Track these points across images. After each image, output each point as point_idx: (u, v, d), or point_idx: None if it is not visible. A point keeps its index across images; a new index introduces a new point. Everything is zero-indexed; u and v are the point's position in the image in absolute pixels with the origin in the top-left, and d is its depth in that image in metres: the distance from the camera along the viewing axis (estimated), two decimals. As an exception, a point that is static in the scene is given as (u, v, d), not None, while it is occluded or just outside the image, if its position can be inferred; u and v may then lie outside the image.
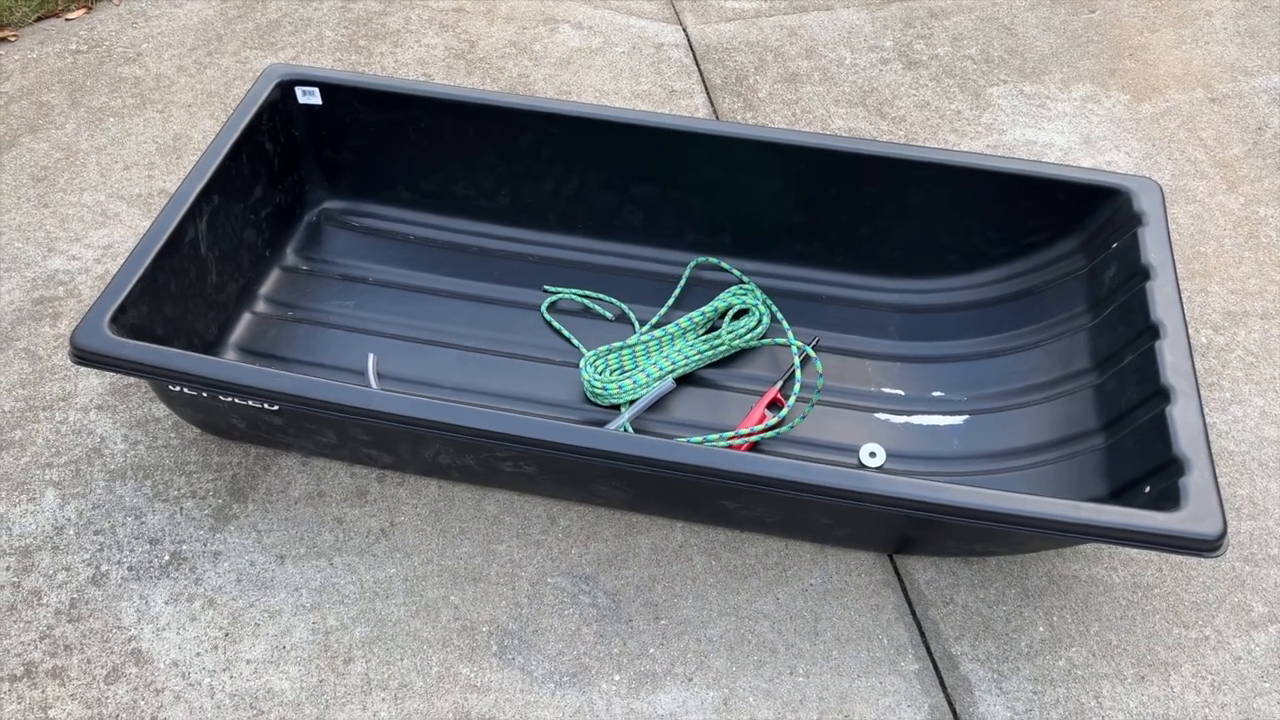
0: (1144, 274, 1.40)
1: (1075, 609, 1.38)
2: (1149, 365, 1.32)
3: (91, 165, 1.94)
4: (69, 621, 1.33)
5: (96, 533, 1.41)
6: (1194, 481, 1.16)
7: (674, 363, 1.57)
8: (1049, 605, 1.38)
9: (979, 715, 1.28)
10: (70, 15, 2.30)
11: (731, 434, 1.46)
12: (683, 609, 1.37)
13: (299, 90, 1.66)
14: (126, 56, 2.20)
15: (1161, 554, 1.41)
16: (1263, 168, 2.01)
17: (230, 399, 1.29)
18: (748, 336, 1.61)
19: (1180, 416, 1.23)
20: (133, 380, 1.58)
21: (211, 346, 1.54)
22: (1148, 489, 1.23)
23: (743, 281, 1.69)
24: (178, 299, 1.44)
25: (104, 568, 1.38)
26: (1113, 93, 2.19)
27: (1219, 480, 1.18)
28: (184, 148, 1.99)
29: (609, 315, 1.68)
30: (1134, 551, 1.43)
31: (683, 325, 1.62)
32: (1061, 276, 1.57)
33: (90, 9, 2.33)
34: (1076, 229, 1.57)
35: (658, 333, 1.61)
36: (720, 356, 1.61)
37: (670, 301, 1.68)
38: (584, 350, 1.61)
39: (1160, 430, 1.24)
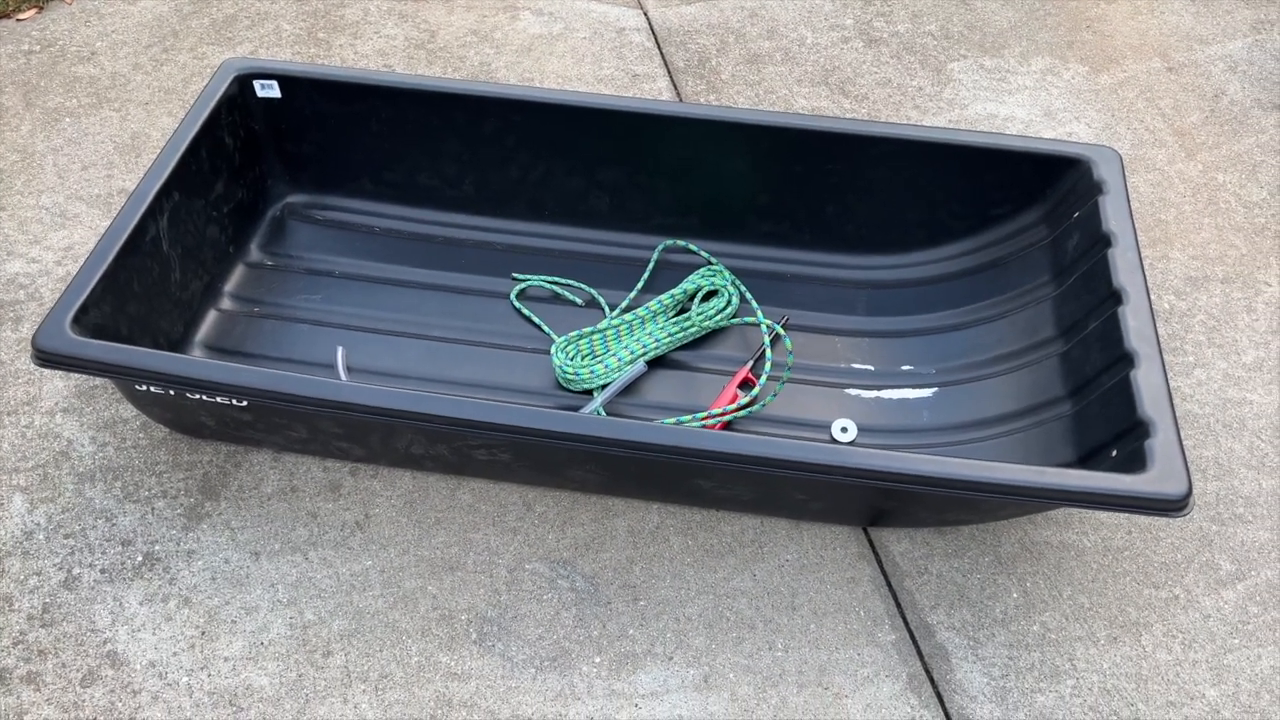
0: (1105, 242, 1.42)
1: (1048, 574, 1.40)
2: (1112, 331, 1.33)
3: (49, 166, 1.92)
4: (42, 626, 1.31)
5: (67, 536, 1.40)
6: (1159, 443, 1.18)
7: (645, 346, 1.57)
8: (1022, 571, 1.40)
9: (956, 682, 1.30)
10: (21, 16, 2.26)
11: (705, 414, 1.47)
12: (661, 589, 1.37)
13: (257, 84, 1.64)
14: (81, 55, 2.17)
15: (1130, 516, 1.44)
16: (1220, 134, 2.04)
17: (198, 396, 1.28)
18: (718, 318, 1.61)
19: (1144, 380, 1.25)
20: (99, 382, 1.56)
21: (177, 345, 1.53)
22: (1114, 453, 1.25)
23: (711, 263, 1.69)
24: (141, 298, 1.43)
25: (76, 571, 1.37)
26: (1071, 65, 2.21)
27: (1184, 442, 1.19)
28: (143, 146, 1.96)
29: (578, 301, 1.68)
30: (1104, 515, 1.45)
31: (653, 308, 1.62)
32: (1025, 247, 1.59)
33: (42, 9, 2.29)
34: (1039, 200, 1.58)
35: (628, 316, 1.61)
36: (691, 338, 1.61)
37: (639, 285, 1.68)
38: (554, 336, 1.61)
39: (1125, 394, 1.26)
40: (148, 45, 2.20)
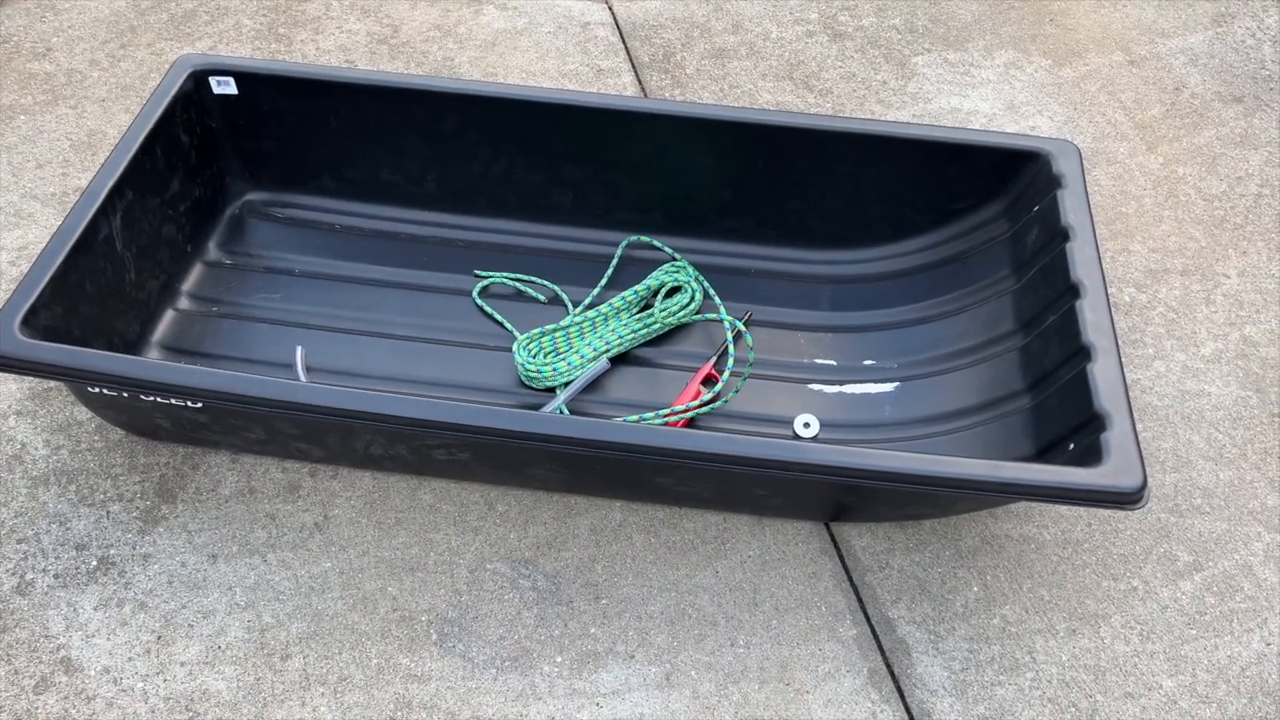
0: (1064, 235, 1.42)
1: (1008, 567, 1.40)
2: (1070, 325, 1.34)
3: (2, 165, 1.88)
4: (-6, 633, 1.30)
5: (20, 541, 1.38)
6: (1114, 436, 1.19)
7: (608, 343, 1.56)
8: (982, 565, 1.40)
9: (917, 676, 1.30)
10: (-26, 10, 2.22)
11: (667, 411, 1.46)
12: (623, 587, 1.37)
13: (213, 80, 1.62)
14: (36, 51, 2.13)
15: (1089, 510, 1.45)
16: (1180, 127, 2.06)
17: (152, 399, 1.26)
18: (681, 314, 1.61)
19: (1101, 373, 1.26)
20: (53, 384, 1.54)
21: (134, 346, 1.51)
22: (1071, 446, 1.26)
23: (675, 259, 1.69)
24: (94, 298, 1.40)
25: (29, 576, 1.35)
26: (1034, 58, 2.22)
27: (1141, 434, 1.20)
28: (99, 144, 1.93)
29: (541, 298, 1.67)
30: (1063, 508, 1.46)
31: (616, 305, 1.61)
32: (986, 241, 1.59)
33: (-5, 3, 2.25)
34: (999, 194, 1.59)
35: (591, 313, 1.61)
36: (654, 335, 1.60)
37: (603, 282, 1.67)
38: (517, 334, 1.60)
39: (1082, 388, 1.26)
40: (104, 41, 2.16)
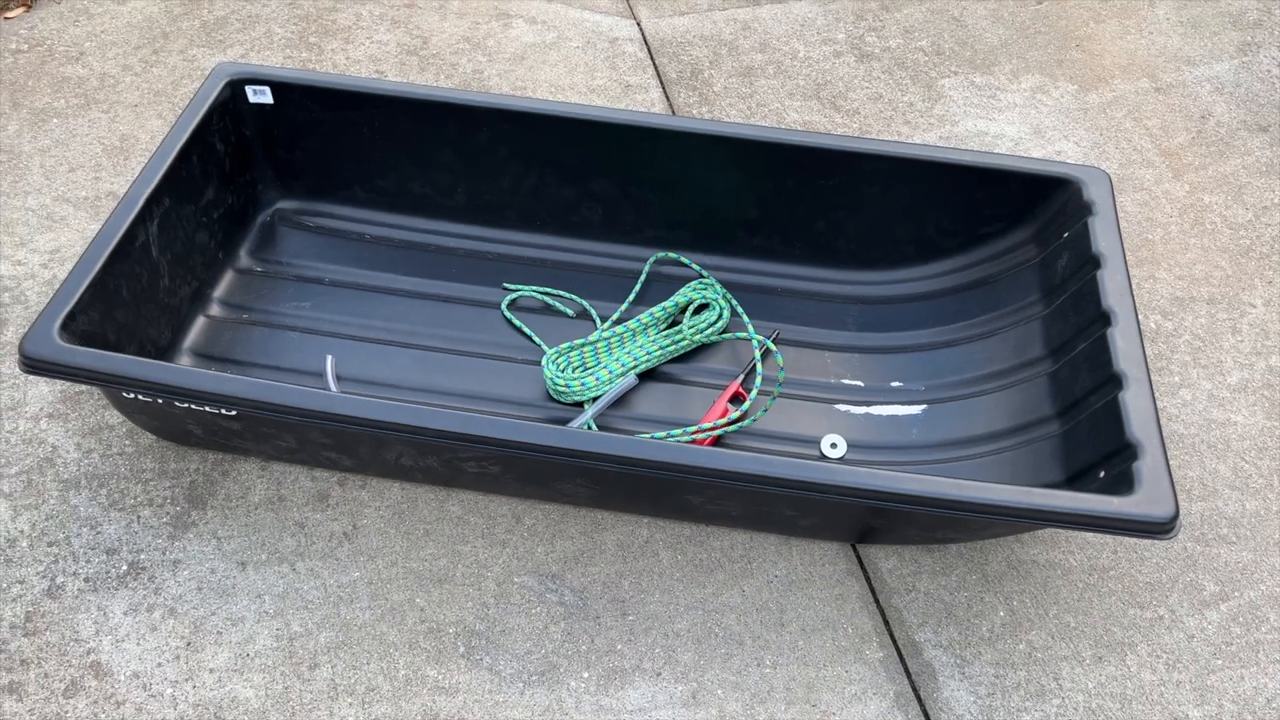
0: (1095, 263, 1.42)
1: (1034, 593, 1.40)
2: (1101, 352, 1.34)
3: (35, 168, 1.90)
4: (25, 635, 1.30)
5: (51, 544, 1.38)
6: (1147, 466, 1.19)
7: (636, 359, 1.57)
8: (1009, 590, 1.41)
9: (943, 700, 1.30)
10: (9, 14, 2.24)
11: (695, 428, 1.47)
12: (650, 604, 1.37)
13: (250, 89, 1.63)
14: (69, 56, 2.15)
15: (1116, 537, 1.45)
16: (1206, 155, 2.06)
17: (186, 405, 1.27)
18: (709, 331, 1.61)
19: (1132, 402, 1.26)
20: (84, 388, 1.55)
21: (165, 352, 1.52)
22: (1102, 474, 1.26)
23: (702, 276, 1.69)
24: (129, 304, 1.41)
25: (60, 579, 1.35)
26: (1061, 83, 2.22)
27: (1170, 463, 1.20)
28: (131, 149, 1.95)
29: (570, 312, 1.67)
30: (1090, 535, 1.46)
31: (644, 321, 1.62)
32: (1015, 266, 1.60)
33: (30, 7, 2.27)
34: (1028, 219, 1.59)
35: (619, 329, 1.61)
36: (682, 352, 1.61)
37: (631, 297, 1.68)
38: (545, 348, 1.60)
39: (1113, 416, 1.27)
40: (137, 46, 2.18)
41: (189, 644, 1.30)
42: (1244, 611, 1.40)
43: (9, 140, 1.95)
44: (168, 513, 1.42)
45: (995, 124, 2.12)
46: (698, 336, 1.60)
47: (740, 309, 1.64)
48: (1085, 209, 1.49)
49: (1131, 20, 2.40)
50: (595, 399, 1.53)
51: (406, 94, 1.63)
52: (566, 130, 1.62)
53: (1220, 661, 1.35)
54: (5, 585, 1.34)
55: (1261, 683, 1.33)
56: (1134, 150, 2.07)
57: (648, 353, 1.58)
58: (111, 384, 1.25)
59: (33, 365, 1.24)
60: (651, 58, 2.25)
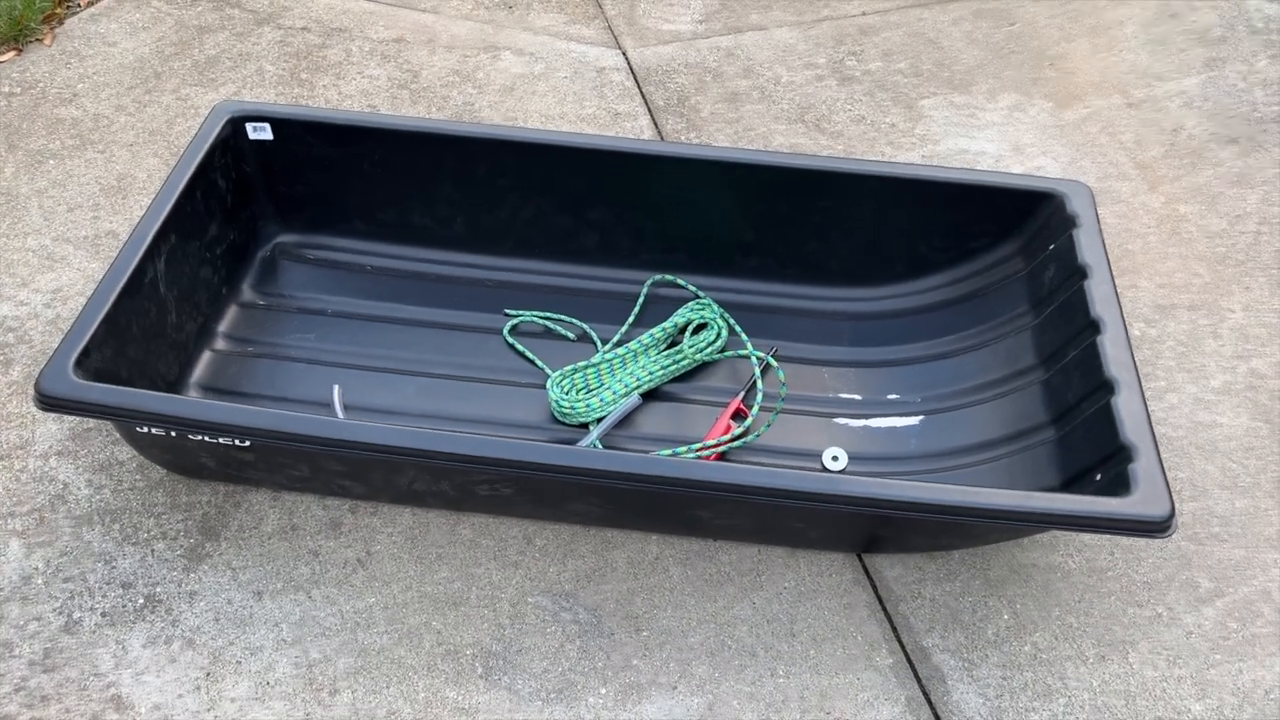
0: (1081, 273, 1.47)
1: (1036, 595, 1.44)
2: (1092, 359, 1.39)
3: (33, 209, 1.92)
4: (44, 672, 1.31)
5: (66, 580, 1.39)
6: (1142, 467, 1.23)
7: (638, 379, 1.60)
8: (1012, 594, 1.44)
9: (953, 704, 1.33)
10: (0, 58, 2.26)
11: (700, 445, 1.50)
12: (662, 619, 1.40)
13: (250, 126, 1.66)
14: (62, 97, 2.17)
15: (1114, 538, 1.49)
16: (1179, 167, 2.13)
17: (201, 438, 1.29)
18: (708, 350, 1.65)
19: (1125, 406, 1.30)
20: (93, 424, 1.56)
21: (173, 386, 1.53)
22: (1099, 477, 1.30)
23: (699, 297, 1.73)
24: (140, 340, 1.43)
25: (76, 615, 1.36)
26: (1036, 101, 2.29)
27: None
28: (129, 188, 1.97)
29: (571, 336, 1.70)
30: (1088, 537, 1.50)
31: (644, 342, 1.65)
32: (1003, 279, 1.65)
33: (21, 51, 2.29)
34: (1015, 233, 1.64)
35: (620, 350, 1.65)
36: (682, 371, 1.64)
37: (630, 319, 1.71)
38: (549, 371, 1.63)
39: (1107, 420, 1.31)
40: (130, 87, 2.21)
41: (209, 674, 1.31)
42: (1239, 607, 1.44)
43: (6, 182, 1.96)
44: (182, 545, 1.44)
45: (976, 142, 2.17)
46: (698, 355, 1.64)
47: (738, 327, 1.68)
48: (1069, 221, 1.54)
49: (1101, 39, 2.47)
50: (600, 420, 1.56)
51: (404, 127, 1.67)
52: (563, 159, 1.66)
53: (1219, 656, 1.39)
54: (23, 623, 1.35)
55: (1259, 675, 1.37)
56: (1110, 164, 2.13)
57: (649, 373, 1.61)
58: (128, 419, 1.26)
59: (49, 403, 1.25)
60: (638, 86, 2.29)
